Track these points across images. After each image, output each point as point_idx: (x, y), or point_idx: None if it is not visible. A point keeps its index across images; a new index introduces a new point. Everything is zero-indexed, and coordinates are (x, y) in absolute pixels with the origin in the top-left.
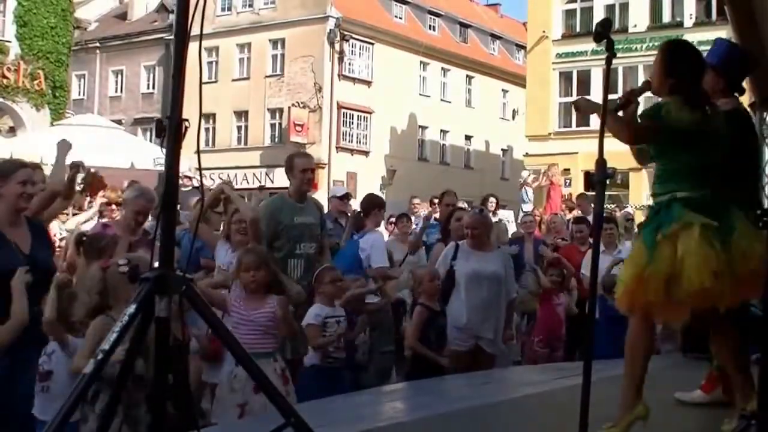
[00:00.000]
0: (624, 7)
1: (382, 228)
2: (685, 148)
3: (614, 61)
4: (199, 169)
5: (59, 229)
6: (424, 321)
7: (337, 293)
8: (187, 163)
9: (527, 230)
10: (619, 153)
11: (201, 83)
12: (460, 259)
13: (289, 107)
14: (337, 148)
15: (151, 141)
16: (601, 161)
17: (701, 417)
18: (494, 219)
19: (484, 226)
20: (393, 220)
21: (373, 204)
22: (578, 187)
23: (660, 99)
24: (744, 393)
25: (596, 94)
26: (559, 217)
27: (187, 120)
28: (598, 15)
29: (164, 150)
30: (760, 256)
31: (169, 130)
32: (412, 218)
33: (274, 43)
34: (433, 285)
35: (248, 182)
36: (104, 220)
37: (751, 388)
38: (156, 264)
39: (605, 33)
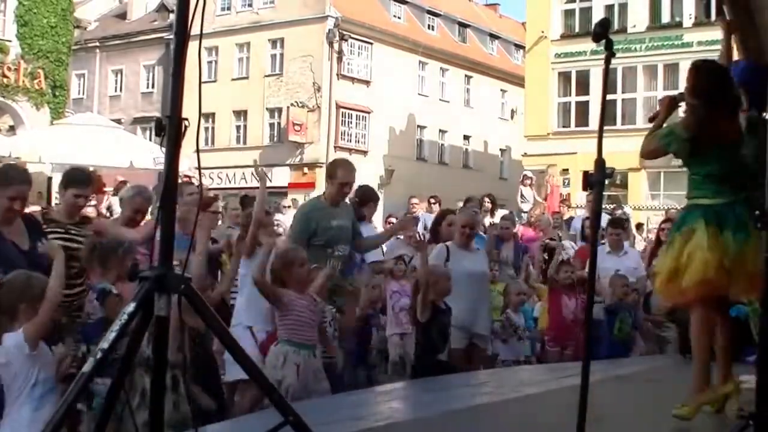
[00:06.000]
0: (623, 7)
1: (379, 227)
2: (698, 162)
3: (613, 61)
4: (198, 168)
5: None
6: (429, 317)
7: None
8: (186, 162)
9: (506, 236)
10: (618, 153)
11: (200, 82)
12: (454, 260)
13: (288, 107)
14: (335, 147)
15: (150, 140)
16: (599, 161)
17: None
18: (493, 219)
19: (478, 226)
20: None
21: (370, 196)
22: (577, 187)
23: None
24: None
25: (595, 94)
26: (545, 216)
27: (186, 119)
28: (597, 15)
29: (163, 149)
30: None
31: (169, 130)
32: None
33: (273, 42)
34: (447, 285)
35: (247, 181)
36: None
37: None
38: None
39: (604, 33)
